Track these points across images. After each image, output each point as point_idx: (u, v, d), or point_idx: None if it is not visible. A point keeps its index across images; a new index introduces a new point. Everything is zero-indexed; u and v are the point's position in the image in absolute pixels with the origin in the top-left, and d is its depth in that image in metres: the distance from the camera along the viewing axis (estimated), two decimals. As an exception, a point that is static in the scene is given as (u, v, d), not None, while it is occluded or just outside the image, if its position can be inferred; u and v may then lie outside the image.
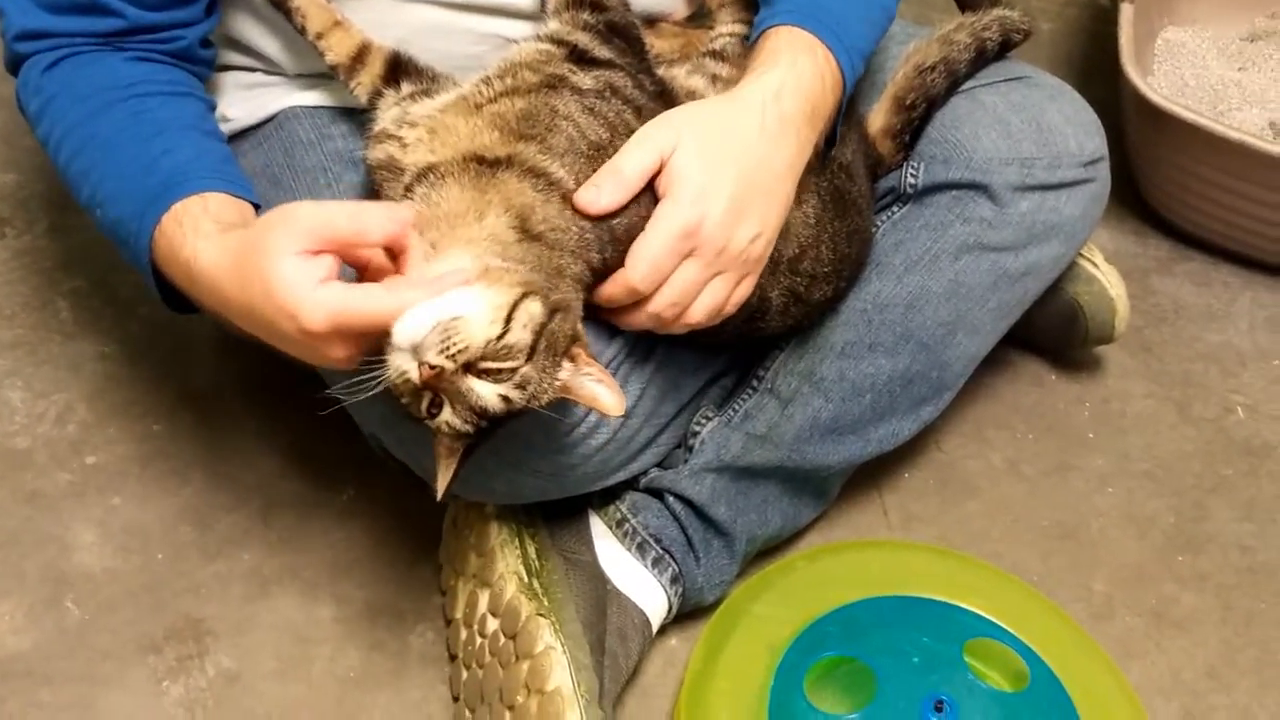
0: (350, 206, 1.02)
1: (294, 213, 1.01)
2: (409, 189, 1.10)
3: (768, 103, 1.15)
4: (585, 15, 1.18)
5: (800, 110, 1.16)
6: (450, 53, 1.25)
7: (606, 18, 1.18)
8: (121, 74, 1.19)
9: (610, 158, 1.12)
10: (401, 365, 1.00)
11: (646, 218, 1.11)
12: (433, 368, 0.99)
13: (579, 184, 1.10)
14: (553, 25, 1.19)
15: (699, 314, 1.15)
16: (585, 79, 1.15)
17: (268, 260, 0.99)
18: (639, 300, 1.14)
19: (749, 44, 1.24)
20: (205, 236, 1.08)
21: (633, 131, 1.13)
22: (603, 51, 1.17)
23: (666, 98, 1.20)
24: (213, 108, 1.27)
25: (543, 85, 1.14)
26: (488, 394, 1.02)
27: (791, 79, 1.16)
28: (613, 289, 1.13)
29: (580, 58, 1.16)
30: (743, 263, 1.15)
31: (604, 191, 1.10)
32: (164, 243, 1.12)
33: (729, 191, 1.12)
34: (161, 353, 1.64)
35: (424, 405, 1.03)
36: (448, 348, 0.99)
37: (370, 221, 1.00)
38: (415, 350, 1.00)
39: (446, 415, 1.03)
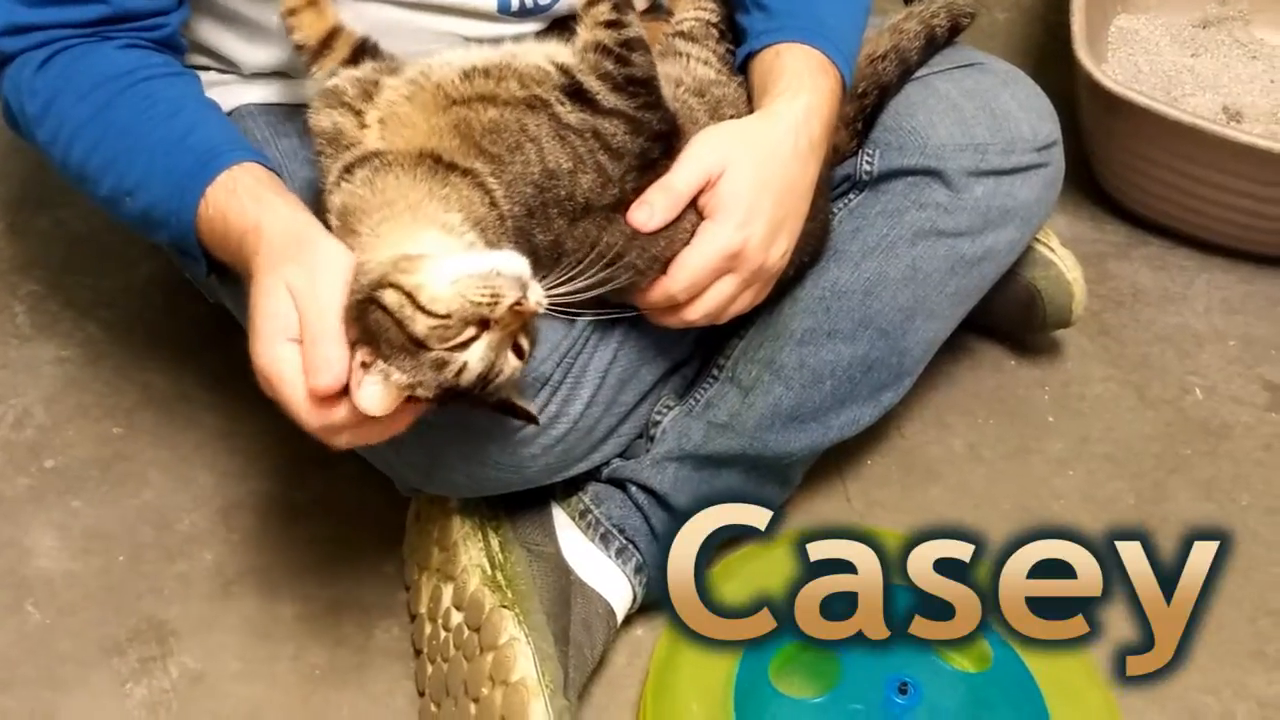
0: (325, 330, 1.00)
1: (305, 274, 1.02)
2: (349, 169, 1.09)
3: (799, 126, 1.19)
4: (609, 65, 1.15)
5: (823, 130, 1.22)
6: (407, 51, 1.23)
7: (628, 72, 1.15)
8: (118, 62, 1.18)
9: (565, 188, 1.11)
10: (503, 289, 1.00)
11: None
12: (529, 304, 1.01)
13: (512, 212, 1.09)
14: (570, 59, 1.16)
15: (725, 319, 1.23)
16: (571, 116, 1.13)
17: (276, 282, 1.02)
18: (674, 306, 1.20)
19: (748, 49, 1.26)
20: (269, 207, 1.09)
21: (603, 170, 1.13)
22: (609, 99, 1.14)
23: (668, 136, 1.18)
24: (202, 88, 1.26)
25: (523, 103, 1.11)
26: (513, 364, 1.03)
27: (816, 101, 1.21)
28: (653, 295, 1.18)
29: (580, 97, 1.14)
30: (771, 276, 1.22)
31: (656, 210, 1.14)
32: (214, 213, 1.11)
33: (769, 215, 1.17)
34: (120, 355, 1.63)
35: (463, 337, 1.00)
36: (538, 298, 1.02)
37: (328, 366, 0.99)
38: (525, 288, 1.01)
39: (474, 355, 1.00)
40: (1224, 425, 1.65)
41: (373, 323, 0.99)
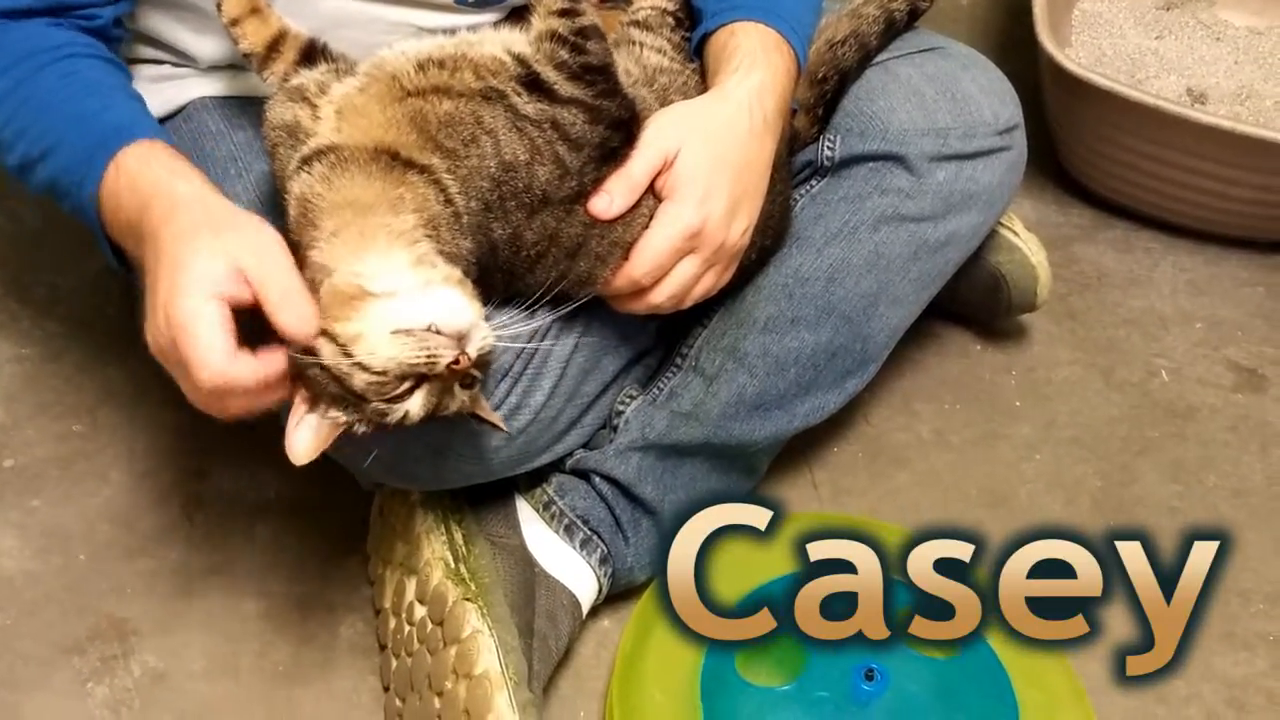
0: (293, 287, 1.00)
1: (251, 246, 1.01)
2: (306, 163, 1.07)
3: (754, 103, 1.19)
4: (564, 53, 1.13)
5: (778, 108, 1.21)
6: (361, 42, 1.22)
7: (584, 60, 1.13)
8: (47, 37, 1.17)
9: (522, 180, 1.10)
10: (439, 349, 0.99)
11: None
12: (469, 359, 1.00)
13: (468, 207, 1.08)
14: (525, 49, 1.14)
15: (691, 301, 1.22)
16: (529, 106, 1.11)
17: (211, 245, 1.00)
18: (639, 290, 1.19)
19: (703, 30, 1.25)
20: (185, 178, 1.08)
21: (560, 161, 1.11)
22: (566, 89, 1.12)
23: (628, 123, 1.16)
24: (131, 79, 1.25)
25: (478, 94, 1.10)
26: (461, 397, 1.03)
27: (770, 78, 1.20)
28: (618, 281, 1.18)
29: (537, 87, 1.12)
30: (733, 255, 1.21)
31: (616, 198, 1.14)
32: (123, 180, 1.09)
33: (727, 192, 1.17)
34: (79, 353, 1.62)
35: (401, 390, 1.00)
36: (481, 344, 1.01)
37: (294, 314, 0.99)
38: (461, 339, 1.00)
39: (415, 404, 1.01)
40: (1190, 407, 1.66)
41: (310, 378, 1.00)
